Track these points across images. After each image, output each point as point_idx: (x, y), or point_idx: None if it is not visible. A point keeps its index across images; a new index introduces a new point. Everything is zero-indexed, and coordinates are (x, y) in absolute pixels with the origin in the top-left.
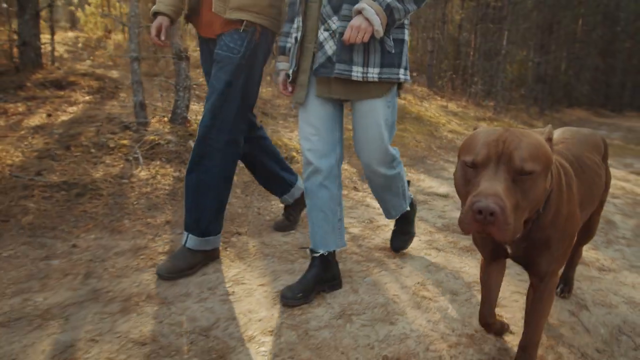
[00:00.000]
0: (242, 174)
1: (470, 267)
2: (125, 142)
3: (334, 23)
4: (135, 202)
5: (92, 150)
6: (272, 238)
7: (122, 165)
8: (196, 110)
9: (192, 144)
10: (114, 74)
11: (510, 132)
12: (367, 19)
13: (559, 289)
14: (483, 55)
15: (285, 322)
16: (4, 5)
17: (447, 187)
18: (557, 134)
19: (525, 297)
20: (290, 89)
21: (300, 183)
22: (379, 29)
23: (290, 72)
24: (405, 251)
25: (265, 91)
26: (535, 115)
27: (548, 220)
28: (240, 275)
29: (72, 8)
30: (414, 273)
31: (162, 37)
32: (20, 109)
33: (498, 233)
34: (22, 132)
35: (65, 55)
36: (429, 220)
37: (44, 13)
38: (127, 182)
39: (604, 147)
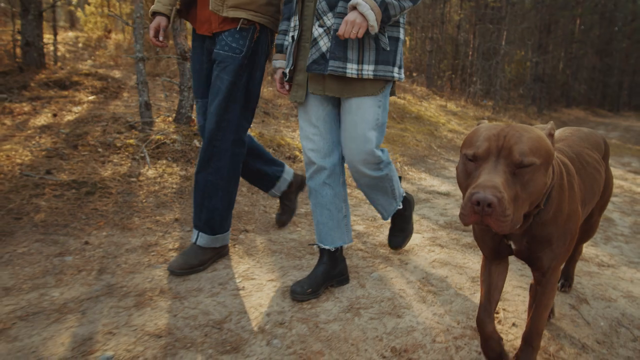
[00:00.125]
0: None
1: (473, 262)
2: (131, 141)
3: (329, 20)
4: (144, 200)
5: (100, 150)
6: (279, 235)
7: (129, 164)
8: None
9: (197, 143)
10: (116, 73)
11: (511, 127)
12: (361, 14)
13: (559, 284)
14: (482, 55)
15: (296, 315)
16: (2, 4)
17: (448, 186)
18: (558, 132)
19: (526, 292)
20: (287, 87)
21: (286, 174)
22: (374, 25)
23: (287, 70)
24: (409, 248)
25: (266, 91)
26: (533, 115)
27: (549, 217)
28: (249, 271)
29: (72, 8)
30: (418, 268)
31: (161, 38)
32: (26, 109)
33: (496, 224)
34: (29, 131)
35: (67, 55)
36: (432, 218)
37: (45, 14)
38: (135, 181)
39: (605, 147)
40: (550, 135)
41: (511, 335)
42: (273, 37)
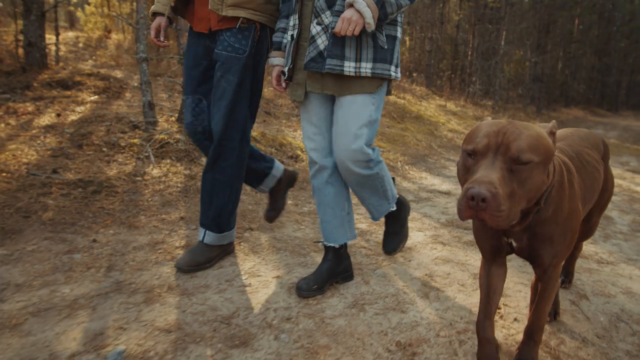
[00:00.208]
0: None
1: (475, 260)
2: (135, 141)
3: (327, 17)
4: (149, 199)
5: (104, 149)
6: (283, 233)
7: (134, 164)
8: None
9: None
10: (118, 73)
11: (512, 125)
12: (358, 12)
13: (559, 280)
14: (481, 55)
15: (302, 311)
16: (1, 4)
17: (448, 185)
18: (558, 132)
19: (527, 288)
20: (283, 84)
21: (275, 171)
22: (370, 22)
23: (286, 69)
24: (412, 245)
25: (268, 91)
26: (532, 114)
27: (549, 215)
28: (255, 268)
29: (72, 8)
30: (421, 265)
31: (161, 38)
32: (30, 109)
33: (490, 218)
34: (34, 131)
35: (67, 55)
36: (433, 217)
37: (47, 14)
38: (141, 180)
39: (604, 148)
40: (552, 134)
41: (513, 329)
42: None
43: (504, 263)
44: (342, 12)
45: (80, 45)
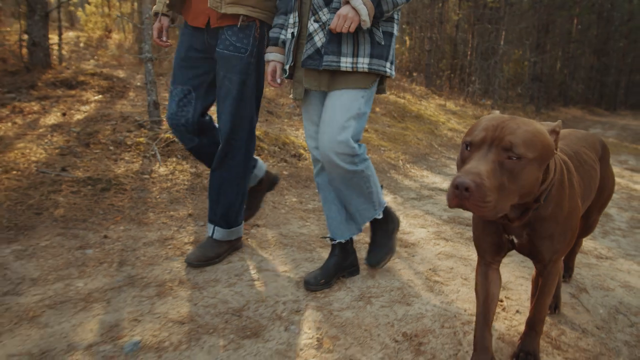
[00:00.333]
0: None
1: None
2: (141, 139)
3: (324, 15)
4: (157, 197)
5: (111, 148)
6: (289, 230)
7: (140, 162)
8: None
9: None
10: (120, 73)
11: (513, 120)
12: (354, 9)
13: (560, 274)
14: (480, 54)
15: (310, 304)
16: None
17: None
18: None
19: (528, 282)
20: (278, 80)
21: (258, 170)
22: (366, 19)
23: (287, 67)
24: (415, 241)
25: (269, 90)
26: (531, 114)
27: (549, 212)
28: (263, 263)
29: (72, 8)
30: (425, 260)
31: (164, 38)
32: (35, 108)
33: (474, 208)
34: (41, 130)
35: (69, 55)
36: (435, 214)
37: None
38: (148, 178)
39: (602, 149)
40: (554, 133)
41: (515, 321)
42: None
43: (498, 268)
44: (339, 9)
45: (81, 45)
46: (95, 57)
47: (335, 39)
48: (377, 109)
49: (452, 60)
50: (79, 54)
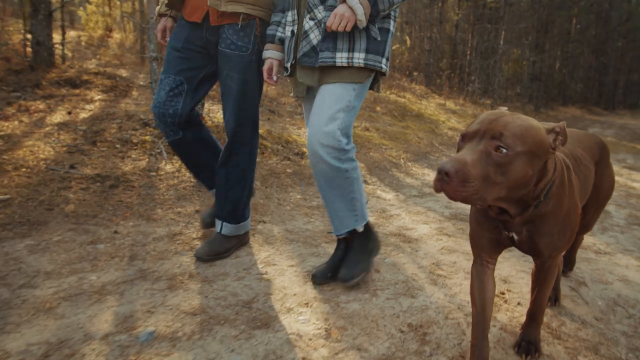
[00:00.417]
0: (259, 168)
1: None
2: (147, 138)
3: (320, 12)
4: (165, 193)
5: (117, 146)
6: (294, 226)
7: (147, 160)
8: (209, 107)
9: None
10: (123, 72)
11: (510, 115)
12: (350, 8)
13: (560, 268)
14: (480, 54)
15: (318, 296)
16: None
17: None
18: None
19: (529, 275)
20: (274, 78)
21: None
22: (362, 19)
23: (288, 65)
24: (418, 237)
25: (271, 89)
26: (530, 113)
27: (548, 210)
28: (270, 258)
29: (73, 8)
30: (428, 255)
31: (167, 38)
32: (41, 107)
33: (452, 192)
34: (47, 128)
35: (71, 55)
36: (437, 210)
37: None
38: (155, 175)
39: (600, 150)
40: (554, 132)
41: (517, 312)
42: None
43: (493, 270)
44: (334, 6)
45: (83, 44)
46: (97, 57)
47: (331, 36)
48: (378, 108)
49: (452, 59)
50: (80, 53)
